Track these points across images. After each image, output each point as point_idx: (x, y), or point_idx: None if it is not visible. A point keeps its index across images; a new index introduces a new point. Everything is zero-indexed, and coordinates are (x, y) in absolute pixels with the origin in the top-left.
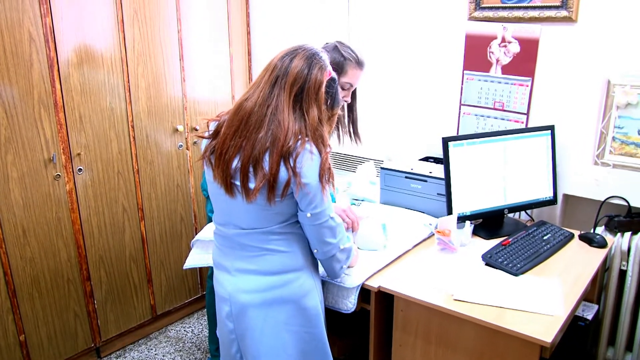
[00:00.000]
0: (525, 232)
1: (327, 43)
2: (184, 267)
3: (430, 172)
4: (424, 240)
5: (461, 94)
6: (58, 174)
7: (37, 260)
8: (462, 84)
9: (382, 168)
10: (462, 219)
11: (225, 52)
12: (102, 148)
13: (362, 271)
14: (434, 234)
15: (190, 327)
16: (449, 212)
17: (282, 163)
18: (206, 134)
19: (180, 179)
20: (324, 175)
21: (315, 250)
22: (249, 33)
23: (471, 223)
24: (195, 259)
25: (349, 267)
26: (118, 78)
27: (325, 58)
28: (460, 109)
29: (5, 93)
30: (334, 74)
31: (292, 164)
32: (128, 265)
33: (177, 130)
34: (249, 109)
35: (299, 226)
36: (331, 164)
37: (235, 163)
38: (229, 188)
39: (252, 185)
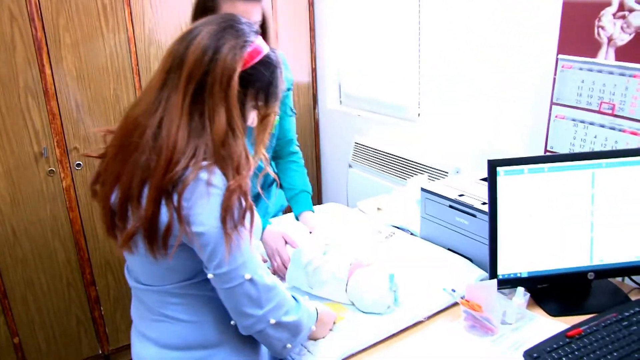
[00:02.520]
0: (617, 316)
1: None
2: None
3: (485, 203)
4: (449, 307)
5: (553, 89)
6: (52, 169)
7: (30, 261)
8: (555, 74)
9: (422, 189)
10: (513, 283)
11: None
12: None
13: (342, 344)
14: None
15: None
16: (492, 272)
17: (162, 201)
18: (96, 153)
19: None
20: (229, 217)
21: (232, 322)
22: (311, 4)
23: (526, 292)
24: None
25: (314, 338)
26: (124, 61)
27: (246, 32)
28: (551, 109)
29: None
30: (266, 54)
31: (175, 203)
32: None
33: None
34: (132, 119)
35: (211, 286)
36: (249, 199)
37: (114, 198)
38: (109, 229)
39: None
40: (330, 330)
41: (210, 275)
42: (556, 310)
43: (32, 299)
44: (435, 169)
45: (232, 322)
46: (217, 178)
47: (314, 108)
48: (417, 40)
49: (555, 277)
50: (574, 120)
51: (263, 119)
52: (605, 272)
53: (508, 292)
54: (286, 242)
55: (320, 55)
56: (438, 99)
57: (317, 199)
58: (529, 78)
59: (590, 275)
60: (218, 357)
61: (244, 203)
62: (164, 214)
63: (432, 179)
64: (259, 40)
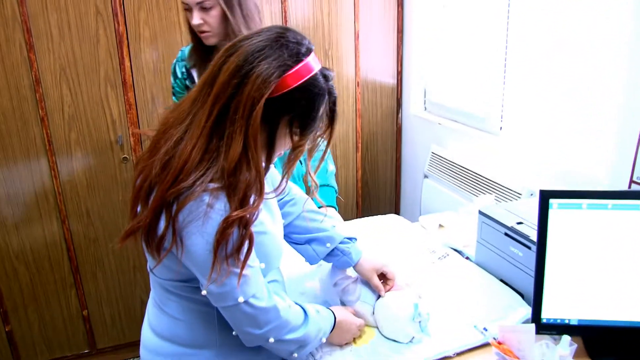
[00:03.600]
0: None
1: None
2: None
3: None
4: (480, 347)
5: None
6: (125, 157)
7: (101, 242)
8: None
9: (480, 212)
10: (559, 330)
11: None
12: None
13: None
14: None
15: None
16: (535, 314)
17: (162, 213)
18: (151, 132)
19: None
20: (221, 246)
21: (234, 333)
22: (400, 5)
23: (572, 342)
24: None
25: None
26: None
27: (288, 54)
28: None
29: (70, 69)
30: (312, 74)
31: (172, 216)
32: None
33: None
34: (166, 122)
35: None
36: (250, 231)
37: (137, 185)
38: (131, 207)
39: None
40: (356, 337)
41: (203, 292)
42: None
43: (101, 276)
44: (509, 189)
45: (233, 333)
46: (220, 204)
47: (397, 112)
48: (504, 51)
49: (611, 330)
50: None
51: (294, 149)
52: None
53: (557, 339)
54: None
55: (406, 58)
56: (522, 115)
57: (395, 206)
58: (620, 99)
59: None
60: (204, 357)
61: (242, 235)
62: (162, 223)
63: (504, 199)
64: (303, 63)
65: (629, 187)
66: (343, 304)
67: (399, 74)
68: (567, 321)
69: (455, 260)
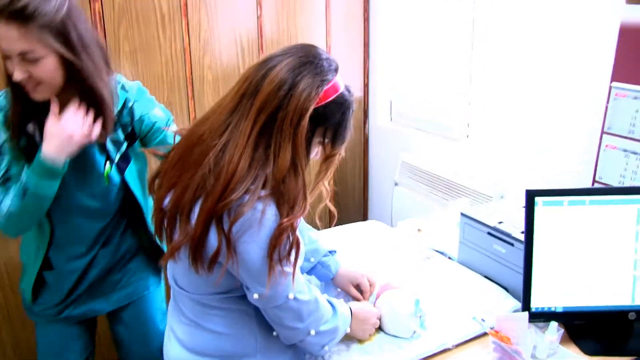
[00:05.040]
0: None
1: None
2: None
3: (523, 232)
4: (478, 337)
5: (604, 118)
6: None
7: None
8: (608, 102)
9: (462, 214)
10: (547, 317)
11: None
12: None
13: None
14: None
15: None
16: (525, 304)
17: (212, 224)
18: (162, 151)
19: None
20: (275, 252)
21: (274, 334)
22: (366, 20)
23: (559, 327)
24: None
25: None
26: (179, 70)
27: (325, 70)
28: (601, 139)
29: None
30: (341, 94)
31: (225, 230)
32: None
33: None
34: (198, 135)
35: (248, 301)
36: (297, 235)
37: (166, 203)
38: (157, 229)
39: (175, 237)
40: (375, 329)
41: (255, 296)
42: (592, 349)
43: None
44: (479, 192)
45: (274, 333)
46: (271, 211)
47: (364, 123)
48: (469, 61)
49: (593, 315)
50: (625, 151)
51: (327, 158)
52: None
53: (542, 326)
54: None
55: (372, 71)
56: (487, 121)
57: (363, 214)
58: (580, 105)
59: (632, 316)
60: None
61: (291, 239)
62: (213, 238)
63: (476, 202)
64: (337, 78)
65: (592, 186)
66: None
67: (366, 86)
68: (553, 309)
69: (439, 261)
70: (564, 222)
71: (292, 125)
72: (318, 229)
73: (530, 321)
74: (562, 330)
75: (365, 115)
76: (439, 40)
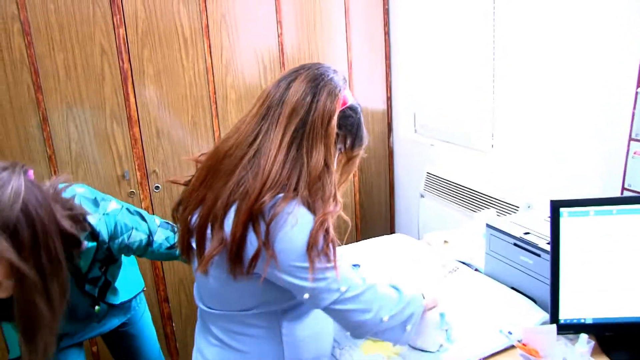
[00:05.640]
0: None
1: None
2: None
3: (549, 243)
4: (505, 350)
5: (632, 124)
6: (132, 191)
7: None
8: (635, 108)
9: (487, 225)
10: (576, 329)
11: (342, 56)
12: (182, 165)
13: None
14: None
15: None
16: (553, 316)
17: (250, 226)
18: (182, 180)
19: None
20: (315, 247)
21: (348, 333)
22: (387, 34)
23: (590, 339)
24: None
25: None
26: (202, 90)
27: (339, 80)
28: (629, 145)
29: (76, 107)
30: (352, 101)
31: (263, 228)
32: None
33: None
34: (224, 151)
35: (276, 317)
36: (332, 231)
37: (194, 220)
38: (184, 251)
39: (207, 249)
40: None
41: (306, 296)
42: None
43: None
44: (506, 203)
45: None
46: (303, 211)
47: (389, 136)
48: (491, 70)
49: (623, 326)
50: None
51: (349, 160)
52: None
53: (572, 338)
54: None
55: (395, 84)
56: (512, 131)
57: (390, 227)
58: (606, 111)
59: None
60: None
61: (329, 235)
62: (253, 238)
63: (502, 213)
64: (346, 90)
65: (621, 194)
66: None
67: (389, 99)
68: (582, 320)
69: (466, 273)
70: (590, 232)
71: (323, 127)
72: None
73: (558, 333)
74: (592, 342)
75: (389, 128)
76: (460, 51)
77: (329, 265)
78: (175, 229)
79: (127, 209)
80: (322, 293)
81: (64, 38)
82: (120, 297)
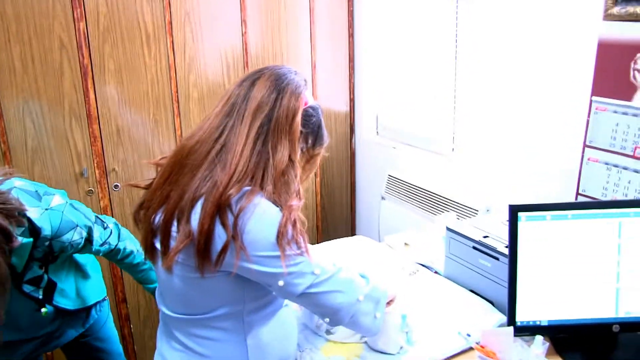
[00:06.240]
0: None
1: None
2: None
3: (507, 247)
4: (463, 352)
5: (586, 132)
6: (91, 189)
7: None
8: (589, 116)
9: (447, 229)
10: (532, 331)
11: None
12: (143, 164)
13: None
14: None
15: None
16: (510, 319)
17: (217, 218)
18: (143, 184)
19: None
20: (284, 237)
21: (326, 320)
22: (351, 35)
23: (545, 340)
24: None
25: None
26: (165, 87)
27: (300, 80)
28: (583, 152)
29: (33, 102)
30: (313, 101)
31: (231, 221)
32: None
33: None
34: (189, 147)
35: (241, 319)
36: (301, 221)
37: (158, 218)
38: (148, 250)
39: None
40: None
41: (280, 283)
42: None
43: None
44: (465, 206)
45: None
46: (269, 206)
47: (351, 138)
48: (453, 75)
49: (577, 328)
50: (607, 164)
51: (310, 159)
52: (633, 326)
53: (528, 340)
54: None
55: (358, 86)
56: (472, 135)
57: (350, 229)
58: (563, 119)
59: (616, 328)
60: None
61: (295, 226)
62: (221, 232)
63: (462, 216)
64: (307, 91)
65: (576, 199)
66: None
67: (352, 101)
68: (538, 322)
69: (426, 275)
70: (547, 236)
71: (288, 123)
72: None
73: (515, 335)
74: (547, 344)
75: (351, 130)
76: (423, 55)
77: (299, 251)
78: (107, 226)
79: (72, 204)
80: (297, 278)
81: (21, 30)
82: (76, 303)
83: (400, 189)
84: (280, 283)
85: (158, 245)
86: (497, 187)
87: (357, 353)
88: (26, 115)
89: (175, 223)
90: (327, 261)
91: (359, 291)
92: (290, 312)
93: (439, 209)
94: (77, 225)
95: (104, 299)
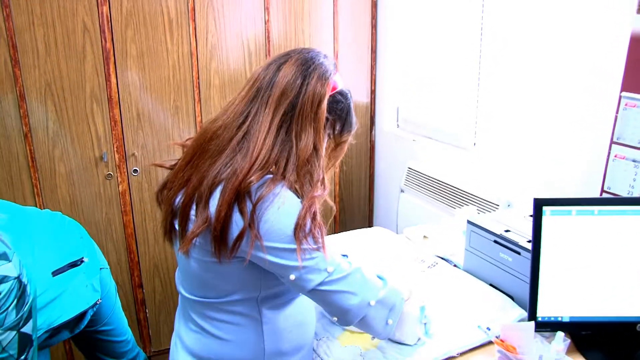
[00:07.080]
0: None
1: None
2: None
3: (530, 241)
4: (482, 345)
5: (614, 128)
6: (110, 174)
7: None
8: (617, 112)
9: (468, 222)
10: (553, 327)
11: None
12: (162, 149)
13: None
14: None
15: None
16: (531, 313)
17: (235, 205)
18: (168, 164)
19: None
20: (302, 229)
21: (335, 319)
22: (374, 27)
23: (566, 337)
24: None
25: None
26: (186, 74)
27: (329, 64)
28: (610, 149)
29: (55, 85)
30: (342, 86)
31: (249, 208)
32: None
33: None
34: (212, 132)
35: (256, 305)
36: (319, 215)
37: (178, 200)
38: (166, 232)
39: (191, 229)
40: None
41: (292, 277)
42: (600, 359)
43: None
44: (486, 200)
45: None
46: (289, 195)
47: (371, 130)
48: (477, 68)
49: (600, 325)
50: (634, 161)
51: (337, 145)
52: None
53: (548, 336)
54: None
55: (380, 78)
56: (494, 130)
57: (368, 220)
58: (590, 114)
59: (639, 327)
60: None
61: (315, 218)
62: (238, 219)
63: (482, 210)
64: (337, 75)
65: (600, 196)
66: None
67: (373, 92)
68: (559, 319)
69: (445, 268)
70: (571, 232)
71: (313, 110)
72: None
73: (536, 331)
74: (568, 341)
75: (372, 122)
76: (447, 47)
77: (315, 246)
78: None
79: None
80: (309, 273)
81: (45, 12)
82: (55, 319)
83: (419, 182)
84: (292, 277)
85: (177, 225)
86: (519, 182)
87: (375, 343)
88: (48, 98)
89: (194, 207)
90: (344, 259)
91: (371, 295)
92: (308, 300)
93: (458, 202)
94: None
95: (96, 303)
